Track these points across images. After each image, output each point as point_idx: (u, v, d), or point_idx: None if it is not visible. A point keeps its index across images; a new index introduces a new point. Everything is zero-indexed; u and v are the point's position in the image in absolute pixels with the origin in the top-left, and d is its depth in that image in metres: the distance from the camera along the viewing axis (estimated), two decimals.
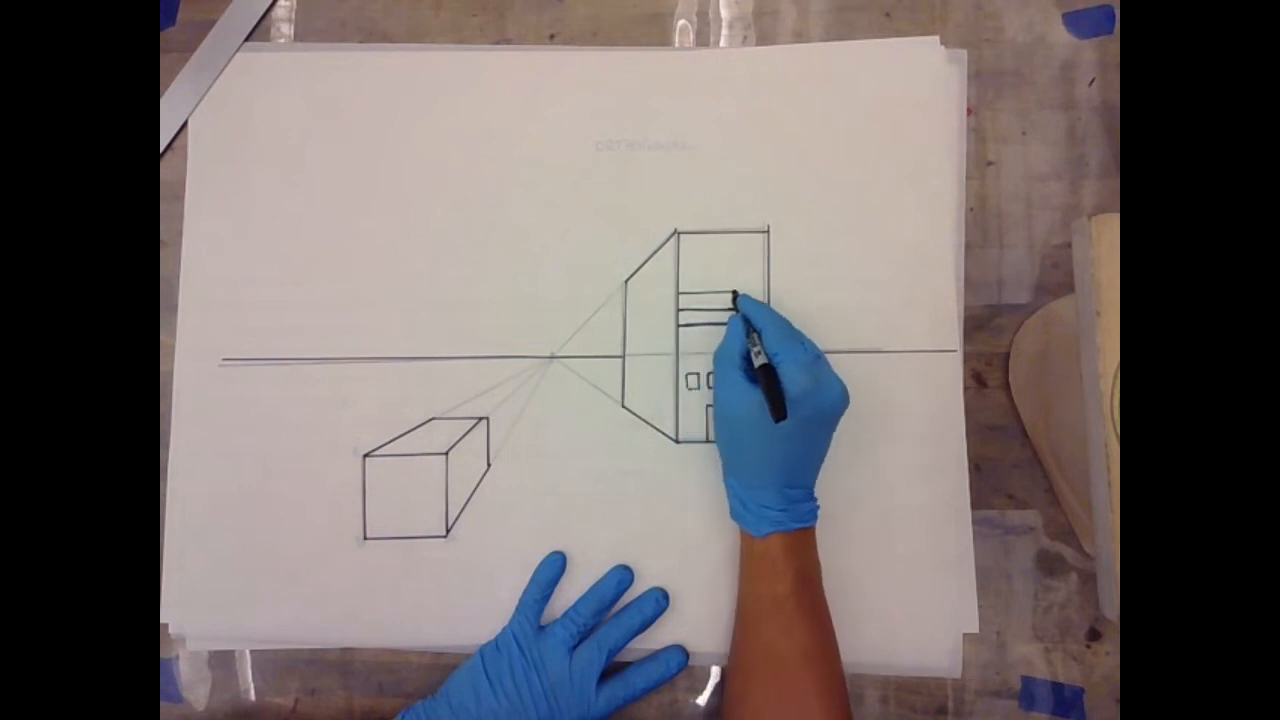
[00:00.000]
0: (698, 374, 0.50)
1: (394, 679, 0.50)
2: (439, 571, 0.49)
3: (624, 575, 0.48)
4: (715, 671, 0.49)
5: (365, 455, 0.50)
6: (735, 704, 0.44)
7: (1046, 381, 0.49)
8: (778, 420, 0.40)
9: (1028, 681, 0.48)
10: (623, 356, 0.50)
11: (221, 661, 0.50)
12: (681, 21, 0.54)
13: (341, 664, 0.50)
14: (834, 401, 0.43)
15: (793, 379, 0.41)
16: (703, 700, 0.49)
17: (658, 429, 0.50)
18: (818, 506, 0.44)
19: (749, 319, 0.46)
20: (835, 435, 0.44)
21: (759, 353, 0.43)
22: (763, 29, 0.53)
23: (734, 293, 0.49)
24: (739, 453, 0.44)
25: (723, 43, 0.53)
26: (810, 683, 0.41)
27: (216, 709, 0.50)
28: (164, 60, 0.53)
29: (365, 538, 0.49)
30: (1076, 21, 0.53)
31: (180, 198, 0.52)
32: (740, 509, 0.44)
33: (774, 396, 0.41)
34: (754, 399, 0.42)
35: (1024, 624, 0.49)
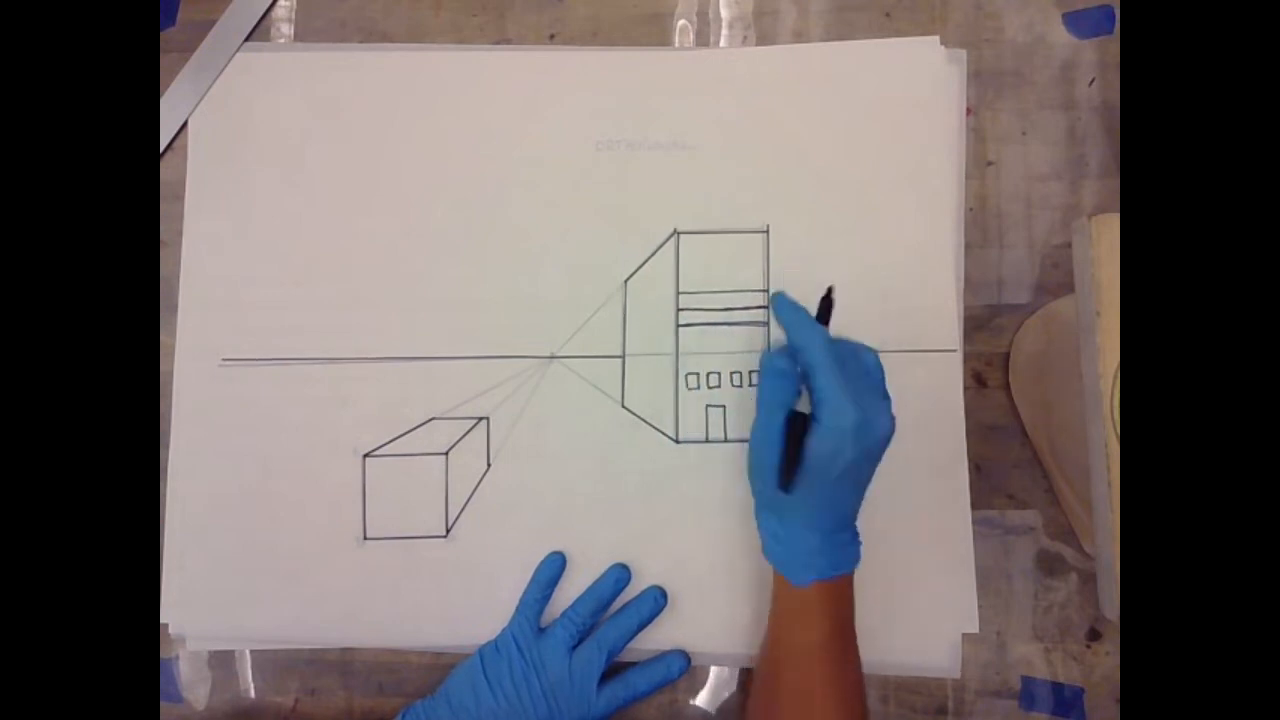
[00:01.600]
0: (697, 374, 0.50)
1: (394, 679, 0.50)
2: (439, 571, 0.49)
3: (621, 574, 0.48)
4: (715, 672, 0.49)
5: (365, 455, 0.50)
6: None
7: (1046, 381, 0.49)
8: (782, 487, 0.37)
9: (1028, 681, 0.48)
10: (623, 356, 0.50)
11: (221, 661, 0.50)
12: (681, 21, 0.54)
13: (341, 664, 0.50)
14: (884, 435, 0.38)
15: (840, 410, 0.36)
16: (703, 701, 0.49)
17: (658, 429, 0.50)
18: (860, 546, 0.41)
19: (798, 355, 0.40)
20: None
21: (800, 394, 0.40)
22: (763, 29, 0.53)
23: (828, 291, 0.43)
24: (776, 494, 0.39)
25: (723, 43, 0.53)
26: None
27: (216, 709, 0.50)
28: (164, 60, 0.53)
29: (365, 538, 0.49)
30: (1076, 21, 0.53)
31: (180, 198, 0.52)
32: (778, 550, 0.41)
33: (791, 457, 0.37)
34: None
35: (1024, 624, 0.49)
